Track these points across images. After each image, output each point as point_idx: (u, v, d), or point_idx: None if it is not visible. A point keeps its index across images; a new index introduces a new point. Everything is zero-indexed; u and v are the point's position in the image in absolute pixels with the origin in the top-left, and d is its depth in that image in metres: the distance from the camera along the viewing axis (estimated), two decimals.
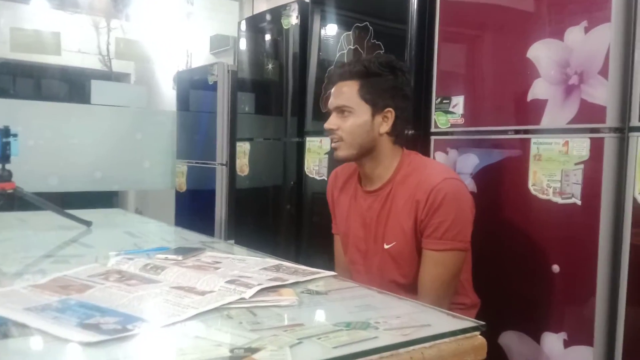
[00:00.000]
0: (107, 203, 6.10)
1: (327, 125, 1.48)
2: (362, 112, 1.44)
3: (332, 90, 1.50)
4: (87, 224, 2.01)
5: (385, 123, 1.45)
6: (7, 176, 1.90)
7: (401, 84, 1.46)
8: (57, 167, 3.69)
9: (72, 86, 6.61)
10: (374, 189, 1.50)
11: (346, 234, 1.60)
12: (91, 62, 5.89)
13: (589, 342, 1.46)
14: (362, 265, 1.55)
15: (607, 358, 1.44)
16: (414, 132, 1.98)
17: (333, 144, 1.49)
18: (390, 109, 1.45)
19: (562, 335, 1.53)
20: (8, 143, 1.91)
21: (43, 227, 2.04)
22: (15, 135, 1.92)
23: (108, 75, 5.94)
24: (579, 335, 1.49)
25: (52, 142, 3.69)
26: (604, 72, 1.43)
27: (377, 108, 1.44)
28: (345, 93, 1.45)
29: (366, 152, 1.47)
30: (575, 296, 1.50)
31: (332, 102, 1.48)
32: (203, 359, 0.75)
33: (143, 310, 0.95)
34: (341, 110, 1.45)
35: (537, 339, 1.59)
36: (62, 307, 0.95)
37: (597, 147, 1.44)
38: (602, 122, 1.44)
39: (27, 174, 3.14)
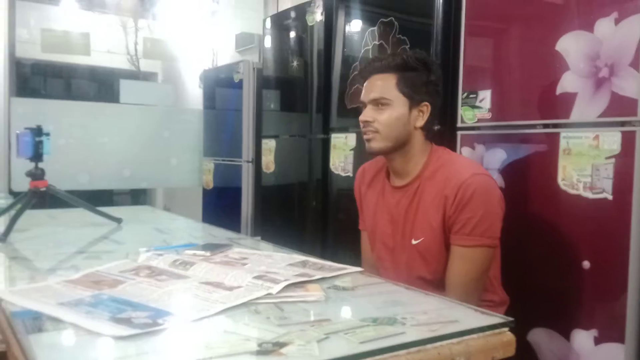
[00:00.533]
0: (136, 200, 6.22)
1: (363, 117, 1.47)
2: (399, 105, 1.44)
3: (366, 83, 1.49)
4: (118, 220, 2.05)
5: (420, 117, 1.46)
6: (40, 174, 1.94)
7: (436, 80, 1.48)
8: (87, 166, 3.76)
9: (101, 86, 6.73)
10: (402, 184, 1.50)
11: (373, 230, 1.59)
12: (119, 62, 5.98)
13: (620, 339, 1.43)
14: (389, 262, 1.54)
15: (639, 355, 1.41)
16: (440, 127, 1.97)
17: (367, 136, 1.47)
18: (427, 103, 1.45)
19: (593, 332, 1.50)
20: (41, 142, 1.95)
21: (75, 224, 2.08)
22: (47, 135, 1.97)
23: (136, 75, 6.03)
24: (610, 333, 1.46)
25: (82, 141, 3.76)
26: (635, 64, 1.40)
27: (414, 102, 1.44)
28: (383, 86, 1.45)
29: (400, 146, 1.46)
30: (606, 293, 1.47)
31: (368, 95, 1.47)
32: (231, 353, 0.76)
33: (173, 305, 0.97)
34: (378, 102, 1.45)
35: (567, 336, 1.57)
36: (95, 302, 0.97)
37: (628, 141, 1.41)
38: (633, 115, 1.41)
39: (58, 172, 3.21)
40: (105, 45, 5.70)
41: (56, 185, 2.00)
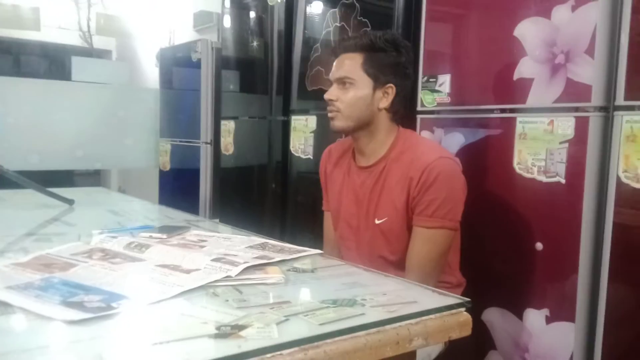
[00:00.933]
0: (90, 182, 6.06)
1: (328, 95, 1.47)
2: (363, 85, 1.44)
3: (335, 62, 1.49)
4: (70, 202, 1.99)
5: (385, 98, 1.46)
6: None
7: (404, 62, 1.47)
8: (38, 145, 3.63)
9: (52, 63, 6.49)
10: (368, 165, 1.50)
11: (337, 209, 1.60)
12: (71, 39, 5.78)
13: (571, 318, 1.48)
14: (352, 242, 1.55)
15: (589, 334, 1.47)
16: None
17: (330, 115, 1.48)
18: (392, 85, 1.45)
19: (545, 312, 1.55)
20: None
21: (24, 206, 2.01)
22: None
23: (89, 52, 5.83)
24: (561, 312, 1.51)
25: (32, 120, 3.62)
26: (590, 51, 1.43)
27: (378, 83, 1.44)
28: (348, 65, 1.45)
29: (363, 126, 1.47)
30: (558, 273, 1.52)
31: (334, 73, 1.48)
32: (189, 336, 0.74)
33: (127, 288, 0.94)
34: (342, 81, 1.45)
35: (519, 315, 1.61)
36: (45, 286, 0.93)
37: (582, 126, 1.45)
38: (587, 101, 1.44)
39: (7, 151, 3.09)
40: (56, 21, 5.49)
41: (4, 165, 1.92)
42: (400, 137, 1.49)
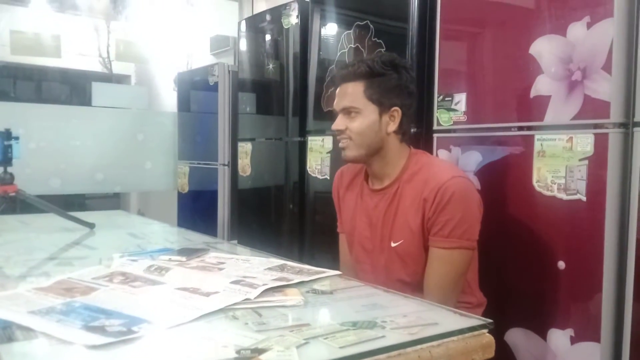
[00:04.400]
0: (109, 205, 6.12)
1: (335, 126, 1.47)
2: (369, 113, 1.43)
3: (337, 91, 1.49)
4: (90, 225, 2.01)
5: (392, 122, 1.45)
6: (9, 179, 1.90)
7: (405, 82, 1.46)
8: (58, 170, 3.69)
9: (72, 88, 6.63)
10: (381, 187, 1.50)
11: (352, 232, 1.59)
12: (91, 65, 5.89)
13: (596, 338, 1.45)
14: (368, 264, 1.54)
15: (614, 354, 1.43)
16: (416, 130, 1.97)
17: (341, 144, 1.48)
18: (397, 107, 1.44)
19: (569, 332, 1.52)
20: (10, 146, 1.91)
21: (46, 230, 2.03)
22: (16, 138, 1.92)
23: (108, 77, 5.94)
24: (586, 332, 1.48)
25: (53, 145, 3.69)
26: (607, 67, 1.42)
27: (384, 107, 1.43)
28: (351, 94, 1.44)
29: (374, 152, 1.46)
30: (581, 292, 1.49)
31: (338, 104, 1.47)
32: None
33: (148, 312, 0.95)
34: (348, 111, 1.45)
35: (543, 335, 1.58)
36: (67, 310, 0.94)
37: (601, 143, 1.43)
38: (606, 117, 1.43)
39: (29, 176, 3.14)
40: (76, 48, 5.60)
41: (27, 190, 1.96)
42: (412, 158, 1.48)
